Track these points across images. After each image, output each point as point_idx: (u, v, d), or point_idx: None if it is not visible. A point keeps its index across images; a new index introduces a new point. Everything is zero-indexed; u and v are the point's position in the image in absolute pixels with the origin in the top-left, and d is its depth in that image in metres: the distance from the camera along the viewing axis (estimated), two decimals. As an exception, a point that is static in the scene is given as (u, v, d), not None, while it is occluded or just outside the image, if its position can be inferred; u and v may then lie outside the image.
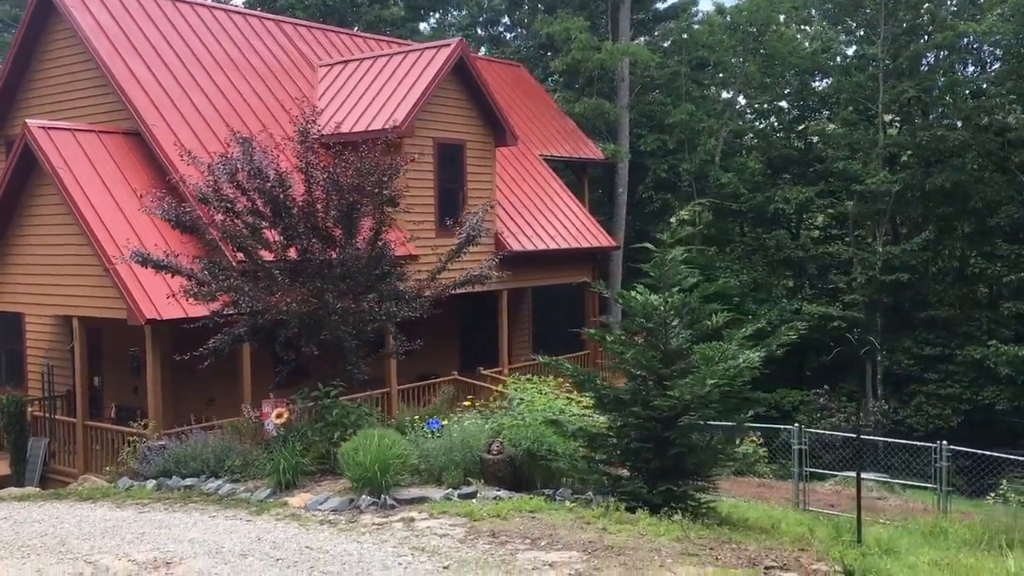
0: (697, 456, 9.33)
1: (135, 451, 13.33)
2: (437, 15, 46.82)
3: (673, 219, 9.42)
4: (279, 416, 11.50)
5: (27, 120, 16.38)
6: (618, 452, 9.48)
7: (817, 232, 38.31)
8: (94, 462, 15.83)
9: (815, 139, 35.75)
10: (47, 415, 16.50)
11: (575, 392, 11.83)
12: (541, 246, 22.09)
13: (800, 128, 36.91)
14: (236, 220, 12.20)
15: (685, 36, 33.52)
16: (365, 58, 21.23)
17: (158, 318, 14.54)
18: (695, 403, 8.90)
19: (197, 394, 16.99)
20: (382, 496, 9.56)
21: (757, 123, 37.63)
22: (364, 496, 9.63)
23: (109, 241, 14.99)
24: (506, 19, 42.51)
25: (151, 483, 12.18)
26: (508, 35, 43.04)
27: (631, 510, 8.82)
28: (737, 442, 9.78)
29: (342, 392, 12.48)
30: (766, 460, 21.04)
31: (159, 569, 7.63)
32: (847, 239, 34.10)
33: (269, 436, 11.98)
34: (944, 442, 14.23)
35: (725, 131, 32.55)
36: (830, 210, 36.33)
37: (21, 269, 17.33)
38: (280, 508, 9.95)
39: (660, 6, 35.85)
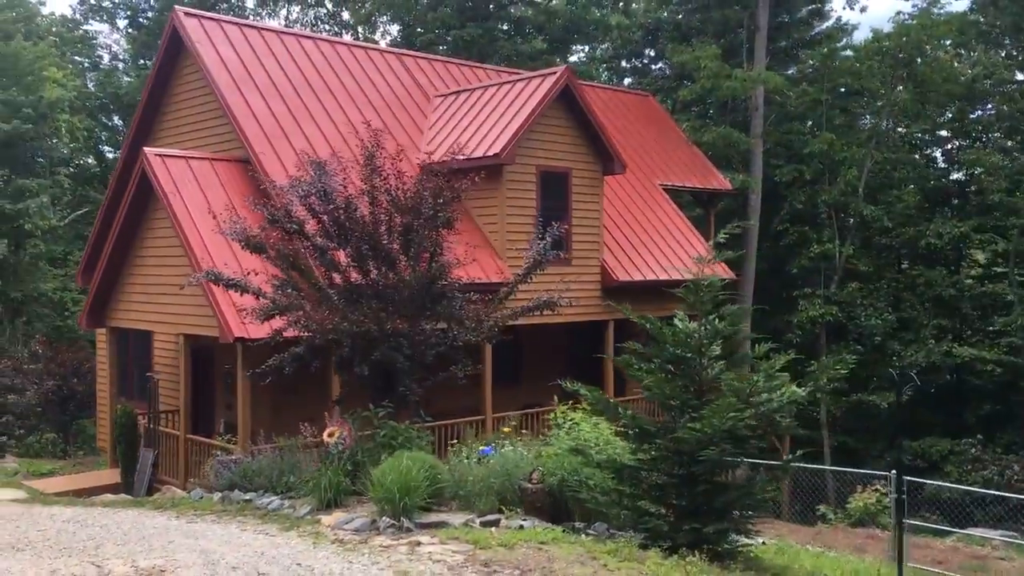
0: (727, 495, 8.69)
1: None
2: (586, 48, 47.13)
3: (710, 242, 8.82)
4: (330, 435, 11.59)
5: (144, 148, 17.45)
6: (644, 486, 8.97)
7: (980, 270, 35.67)
8: (194, 473, 16.49)
9: (977, 170, 33.37)
10: (152, 427, 17.34)
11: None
12: (650, 277, 21.51)
13: (959, 158, 34.53)
14: (305, 241, 12.50)
15: (836, 63, 32.04)
16: (476, 88, 21.47)
17: (246, 336, 15.01)
18: (718, 437, 8.30)
19: (296, 411, 17.39)
20: (401, 519, 9.42)
21: (913, 153, 35.51)
22: (385, 518, 9.53)
23: (208, 261, 15.62)
24: (651, 51, 42.24)
25: (217, 496, 12.52)
26: (653, 66, 42.72)
27: (645, 547, 8.31)
28: (771, 484, 8.99)
29: (422, 416, 12.54)
30: (890, 511, 19.57)
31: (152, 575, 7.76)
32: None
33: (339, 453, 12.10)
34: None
35: (870, 161, 30.84)
36: (992, 247, 33.76)
37: (145, 288, 18.36)
38: (310, 525, 9.98)
39: (806, 34, 34.56)
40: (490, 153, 18.67)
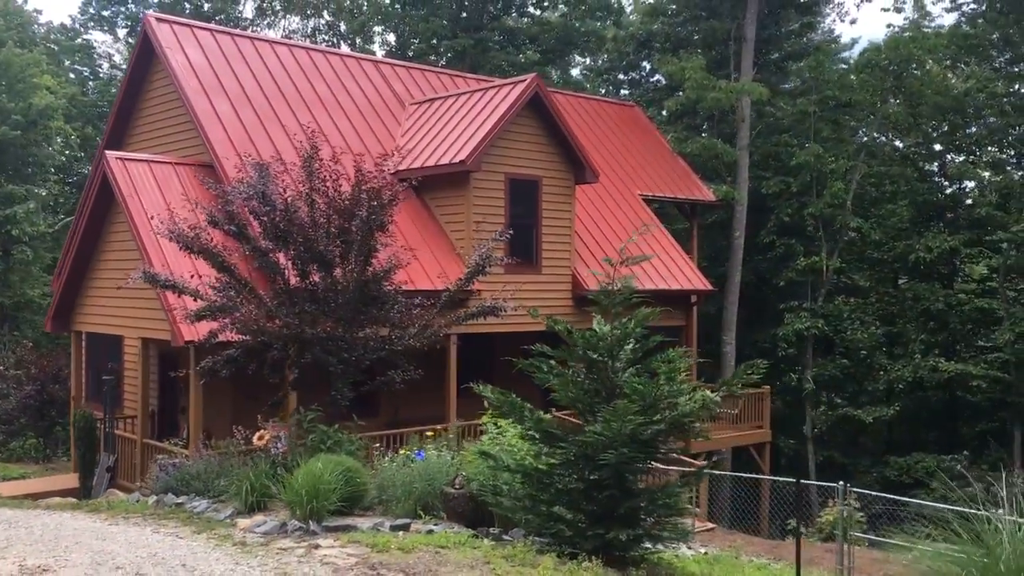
0: (633, 501, 8.53)
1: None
2: (586, 60, 47.14)
3: (620, 245, 8.63)
4: (260, 438, 11.51)
5: (106, 151, 17.47)
6: (553, 491, 8.81)
7: (975, 284, 35.28)
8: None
9: (968, 183, 33.08)
10: (109, 431, 17.30)
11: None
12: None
13: (951, 172, 34.23)
14: (246, 244, 12.46)
15: (824, 76, 31.71)
16: (449, 95, 21.43)
17: (196, 340, 14.94)
18: (620, 442, 8.14)
19: (255, 416, 17.33)
20: (309, 522, 9.31)
21: (906, 166, 35.21)
22: (294, 521, 9.43)
23: (163, 265, 15.61)
24: (646, 63, 42.24)
25: (153, 499, 12.45)
26: (650, 78, 42.67)
27: (544, 552, 8.16)
28: (687, 490, 8.83)
29: (355, 420, 12.44)
30: (863, 526, 19.32)
31: (35, 574, 7.68)
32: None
33: (274, 457, 12.02)
34: (1001, 511, 12.46)
35: (858, 174, 30.58)
36: (987, 261, 33.38)
37: (107, 291, 18.34)
38: (225, 528, 9.87)
39: (797, 47, 34.32)
40: (456, 160, 18.61)
